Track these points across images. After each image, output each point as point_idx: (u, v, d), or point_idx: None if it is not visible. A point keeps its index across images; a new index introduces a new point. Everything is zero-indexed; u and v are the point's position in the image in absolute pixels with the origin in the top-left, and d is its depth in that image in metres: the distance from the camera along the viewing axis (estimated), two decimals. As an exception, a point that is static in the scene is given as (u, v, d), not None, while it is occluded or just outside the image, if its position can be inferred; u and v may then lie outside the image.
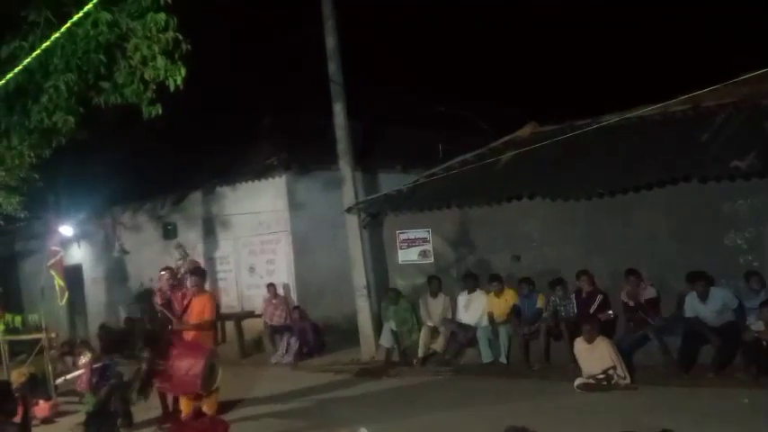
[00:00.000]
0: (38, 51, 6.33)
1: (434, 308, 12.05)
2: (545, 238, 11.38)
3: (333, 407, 9.74)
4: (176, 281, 9.78)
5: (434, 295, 12.11)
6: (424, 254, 12.68)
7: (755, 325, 8.91)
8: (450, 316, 11.91)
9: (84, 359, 9.80)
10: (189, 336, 9.21)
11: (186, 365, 8.92)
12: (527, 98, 19.38)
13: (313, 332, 13.83)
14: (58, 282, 11.73)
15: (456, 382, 10.76)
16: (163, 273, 9.85)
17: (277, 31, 17.80)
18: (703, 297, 9.41)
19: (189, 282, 9.62)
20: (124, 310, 17.61)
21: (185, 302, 9.41)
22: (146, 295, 9.60)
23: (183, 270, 10.36)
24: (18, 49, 7.33)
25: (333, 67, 12.82)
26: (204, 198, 16.43)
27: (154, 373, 8.94)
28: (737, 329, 9.10)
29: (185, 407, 9.26)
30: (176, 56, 7.61)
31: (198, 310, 9.30)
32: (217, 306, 9.89)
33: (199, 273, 9.86)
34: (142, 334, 10.07)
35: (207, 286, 10.52)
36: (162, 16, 7.36)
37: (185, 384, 8.99)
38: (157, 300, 9.74)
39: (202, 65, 8.53)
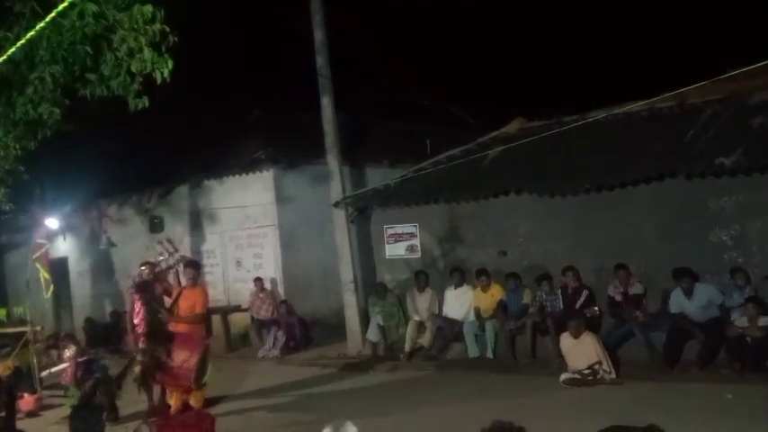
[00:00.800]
0: (22, 41, 6.28)
1: (421, 303, 12.07)
2: (532, 234, 11.41)
3: (319, 401, 9.72)
4: (155, 275, 9.71)
5: (421, 290, 12.12)
6: (411, 249, 12.69)
7: (739, 321, 8.97)
8: (436, 311, 11.93)
9: (69, 352, 9.77)
10: (178, 329, 9.19)
11: (181, 358, 8.93)
12: (514, 94, 19.40)
13: (300, 326, 13.81)
14: (44, 274, 11.68)
15: (442, 376, 10.77)
16: (143, 268, 9.78)
17: (265, 24, 17.78)
18: (688, 293, 9.47)
19: (184, 275, 9.60)
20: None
21: (173, 296, 9.40)
22: (145, 286, 9.53)
23: (163, 265, 10.24)
24: (3, 40, 7.27)
25: (321, 61, 12.81)
26: (191, 192, 16.34)
27: (157, 365, 8.95)
28: (722, 325, 9.16)
29: (175, 401, 9.25)
30: (163, 48, 7.56)
31: (189, 303, 9.28)
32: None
33: (194, 266, 9.85)
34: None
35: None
36: (149, 8, 7.30)
37: (178, 377, 9.01)
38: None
39: (190, 57, 8.49)
